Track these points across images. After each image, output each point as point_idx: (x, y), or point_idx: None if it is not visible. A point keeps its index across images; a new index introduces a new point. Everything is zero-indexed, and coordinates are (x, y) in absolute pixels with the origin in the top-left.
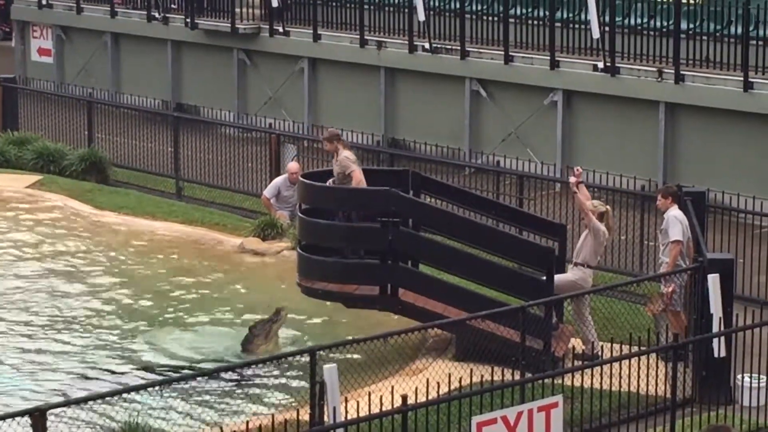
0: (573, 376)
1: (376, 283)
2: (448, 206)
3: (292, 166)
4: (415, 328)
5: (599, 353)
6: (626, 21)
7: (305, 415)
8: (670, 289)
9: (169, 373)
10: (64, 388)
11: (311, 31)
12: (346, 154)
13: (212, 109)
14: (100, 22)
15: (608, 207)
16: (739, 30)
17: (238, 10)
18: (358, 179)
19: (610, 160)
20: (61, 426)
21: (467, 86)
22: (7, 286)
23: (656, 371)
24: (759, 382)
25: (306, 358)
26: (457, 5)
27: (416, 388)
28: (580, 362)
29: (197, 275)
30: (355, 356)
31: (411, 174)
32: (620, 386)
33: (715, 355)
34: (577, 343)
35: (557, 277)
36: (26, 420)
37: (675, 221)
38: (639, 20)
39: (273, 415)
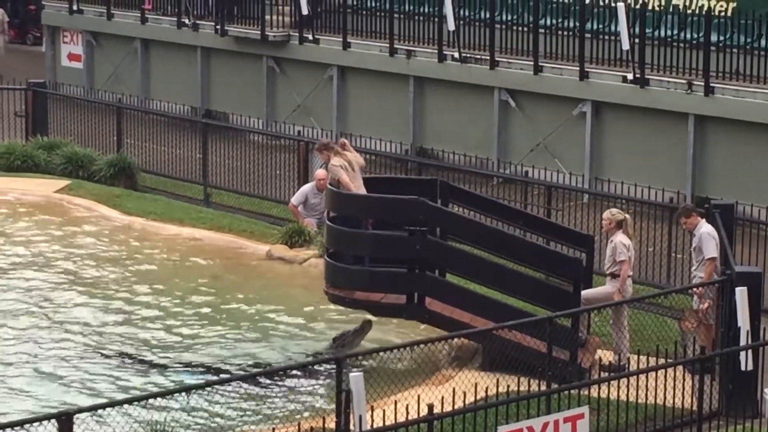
0: (599, 388)
1: (403, 292)
2: (476, 216)
3: (320, 173)
4: (442, 337)
5: (626, 365)
6: (656, 33)
7: (331, 423)
8: (706, 306)
9: (203, 376)
10: (91, 390)
11: (341, 39)
12: (333, 162)
13: (241, 116)
14: (130, 28)
15: (627, 215)
16: None
17: (268, 17)
18: (345, 182)
19: (638, 172)
20: (87, 430)
21: (496, 96)
22: (34, 287)
23: (683, 384)
24: None
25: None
26: (487, 15)
27: (442, 398)
28: (607, 373)
29: (224, 282)
30: (382, 365)
31: (439, 183)
32: (647, 398)
33: (743, 368)
34: (603, 355)
35: (595, 290)
36: (53, 424)
37: (708, 238)
38: (669, 32)
39: (299, 423)
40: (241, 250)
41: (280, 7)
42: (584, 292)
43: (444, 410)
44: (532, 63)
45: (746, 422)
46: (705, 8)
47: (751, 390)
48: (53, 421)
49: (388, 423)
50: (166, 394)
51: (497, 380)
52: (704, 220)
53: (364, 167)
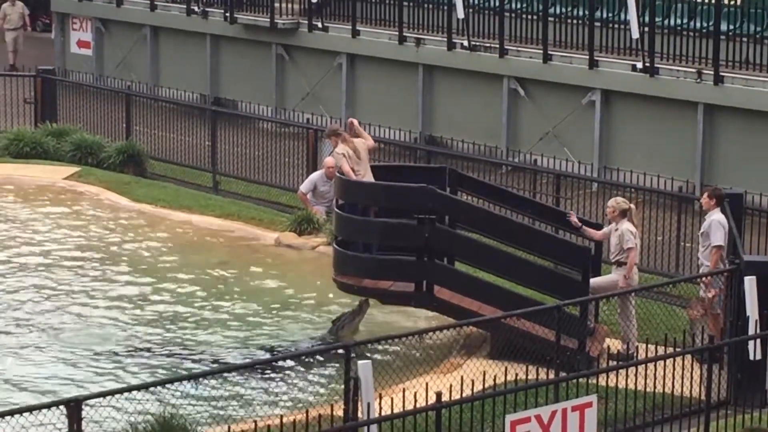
0: (608, 376)
1: (411, 280)
2: (484, 204)
3: (329, 161)
4: (450, 325)
5: (635, 354)
6: (666, 21)
7: (339, 411)
8: (712, 295)
9: (207, 364)
10: (101, 377)
11: (350, 27)
12: (337, 149)
13: (250, 103)
14: (139, 15)
15: (632, 205)
16: None
17: (277, 5)
18: (346, 171)
19: (647, 161)
20: (96, 417)
21: (505, 84)
22: (42, 274)
23: (691, 373)
24: None
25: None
26: (497, 3)
27: (450, 386)
28: (615, 362)
29: (233, 269)
30: (390, 353)
31: (448, 171)
32: (655, 387)
33: (751, 357)
34: (612, 343)
35: (601, 278)
36: (62, 410)
37: (718, 226)
38: (679, 21)
39: (307, 410)
40: (249, 238)
41: None
42: (591, 281)
43: (452, 398)
44: (541, 51)
45: (754, 411)
46: None
47: (760, 379)
48: (62, 407)
49: (396, 411)
50: (173, 380)
51: (505, 369)
52: (719, 208)
53: (374, 148)
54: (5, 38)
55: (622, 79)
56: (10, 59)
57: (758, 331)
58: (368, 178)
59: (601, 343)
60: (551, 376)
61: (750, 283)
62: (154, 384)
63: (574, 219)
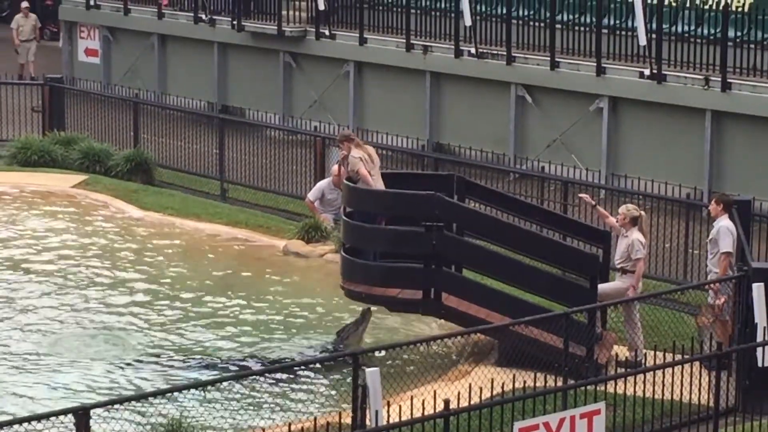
0: (616, 383)
1: (419, 287)
2: (492, 211)
3: (337, 169)
4: (458, 332)
5: (642, 361)
6: (673, 28)
7: (347, 419)
8: (722, 301)
9: (214, 372)
10: (109, 385)
11: (357, 35)
12: (353, 154)
13: (257, 111)
14: (147, 24)
15: (642, 212)
16: None
17: (284, 12)
18: (364, 174)
19: (655, 168)
20: (104, 425)
21: (513, 92)
22: (49, 282)
23: (699, 380)
24: None
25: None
26: (504, 10)
27: (458, 393)
28: (623, 369)
29: (240, 277)
30: (398, 360)
31: (456, 179)
32: (663, 394)
33: (759, 364)
34: (620, 351)
35: (606, 285)
36: (70, 418)
37: (726, 232)
38: (686, 27)
39: (315, 418)
40: (257, 246)
41: (297, 3)
42: (598, 287)
43: (460, 406)
44: (548, 58)
45: (763, 418)
46: (722, 3)
47: None
48: (70, 416)
49: (404, 418)
50: (180, 389)
51: (513, 376)
52: (727, 215)
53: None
54: (18, 49)
55: (630, 86)
56: (21, 70)
57: (766, 337)
58: (380, 183)
59: (609, 351)
60: (559, 383)
61: (758, 289)
62: (162, 392)
63: (587, 199)
